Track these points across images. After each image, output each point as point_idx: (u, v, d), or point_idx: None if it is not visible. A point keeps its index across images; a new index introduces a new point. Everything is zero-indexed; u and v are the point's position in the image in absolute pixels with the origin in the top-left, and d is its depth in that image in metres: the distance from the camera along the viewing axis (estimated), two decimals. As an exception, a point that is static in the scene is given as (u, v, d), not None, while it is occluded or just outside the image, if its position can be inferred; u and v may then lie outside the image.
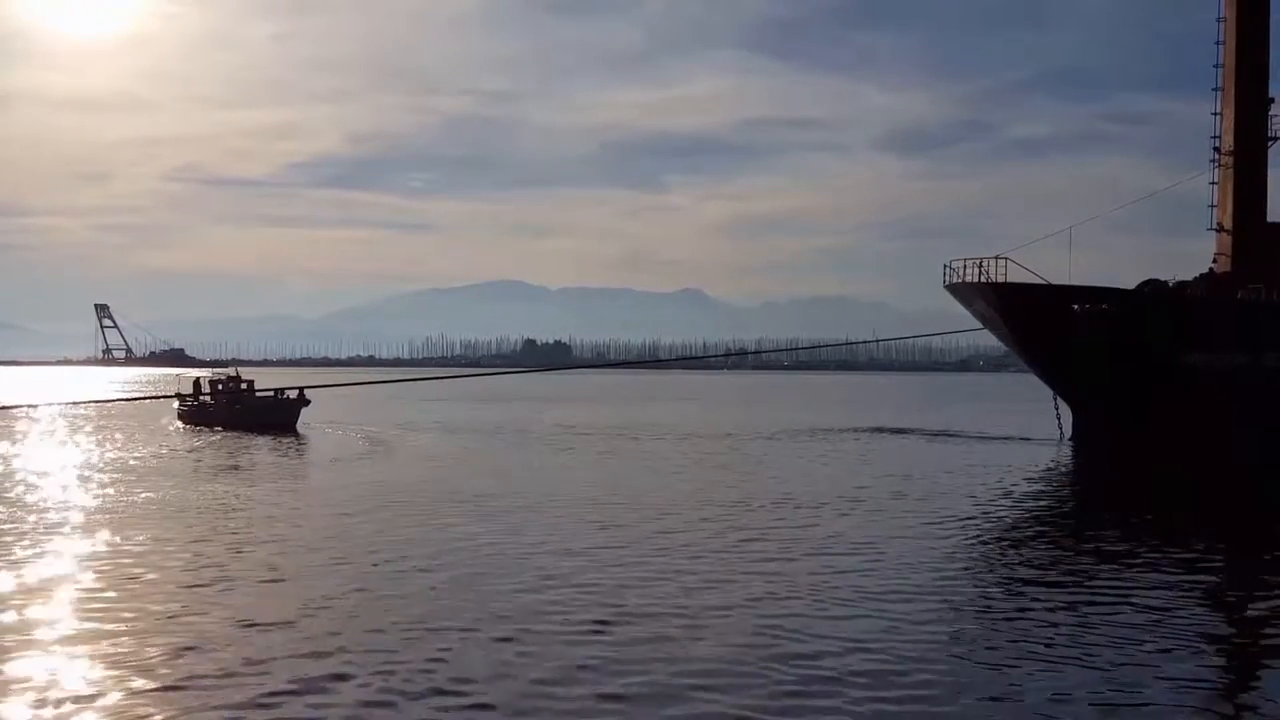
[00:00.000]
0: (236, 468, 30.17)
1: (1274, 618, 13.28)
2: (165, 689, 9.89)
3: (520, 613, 12.76)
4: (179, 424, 48.61)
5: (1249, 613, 13.63)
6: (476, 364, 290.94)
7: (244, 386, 49.26)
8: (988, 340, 53.54)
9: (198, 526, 19.04)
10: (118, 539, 17.62)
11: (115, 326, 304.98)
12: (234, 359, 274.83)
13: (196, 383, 50.90)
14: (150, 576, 14.69)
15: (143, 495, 23.35)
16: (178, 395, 46.04)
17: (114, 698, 9.69)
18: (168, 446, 37.35)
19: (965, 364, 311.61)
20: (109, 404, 59.86)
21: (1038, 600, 13.84)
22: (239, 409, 47.24)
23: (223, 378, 51.26)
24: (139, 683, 10.06)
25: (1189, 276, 42.01)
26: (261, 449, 36.81)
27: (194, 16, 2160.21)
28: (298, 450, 37.01)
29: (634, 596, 13.61)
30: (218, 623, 12.21)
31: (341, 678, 10.26)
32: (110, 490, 24.31)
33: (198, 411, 49.22)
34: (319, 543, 17.48)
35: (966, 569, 16.26)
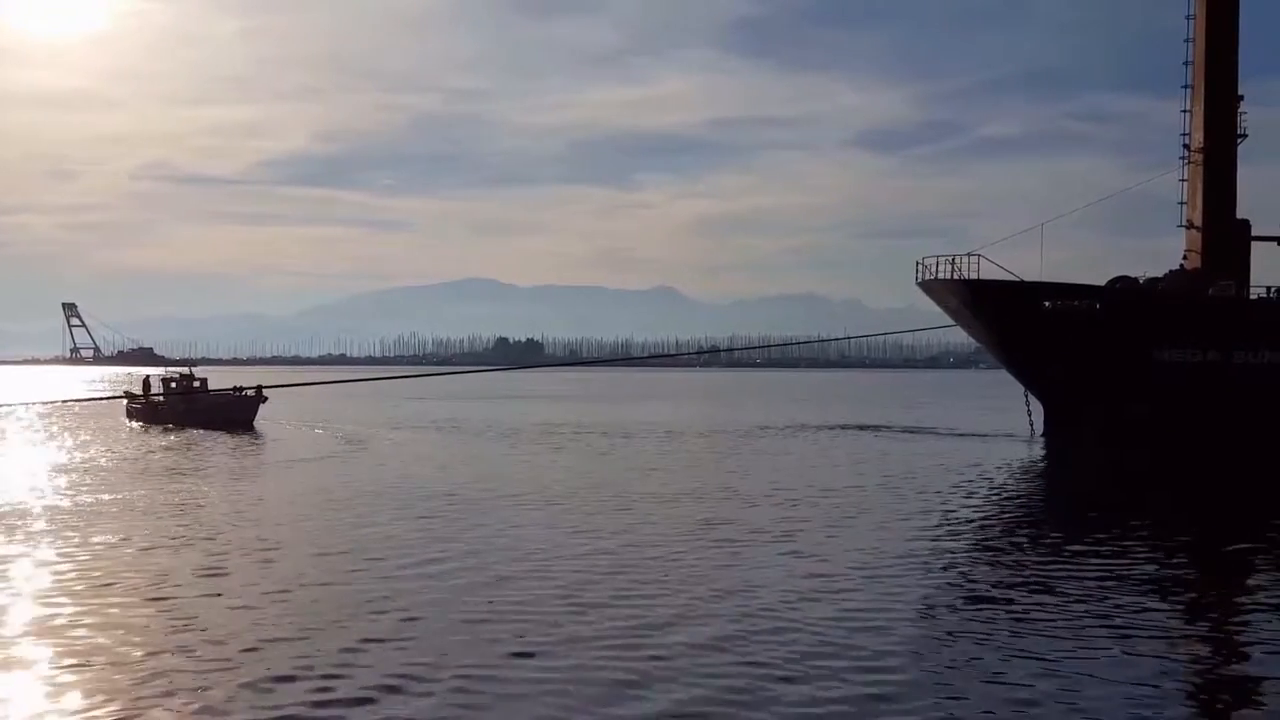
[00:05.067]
0: (188, 467, 29.41)
1: (1241, 611, 13.15)
2: (119, 694, 9.44)
3: (497, 609, 12.43)
4: (129, 423, 47.85)
5: (1217, 606, 13.51)
6: (448, 362, 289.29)
7: (196, 384, 48.58)
8: (958, 337, 53.72)
9: (143, 525, 18.46)
10: (56, 541, 17.03)
11: (83, 325, 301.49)
12: (203, 358, 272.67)
13: (146, 381, 50.37)
14: (96, 578, 14.17)
15: (84, 496, 22.66)
16: (127, 395, 45.11)
17: (67, 701, 9.25)
18: (116, 446, 36.48)
19: (935, 360, 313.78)
20: (56, 405, 58.77)
21: (1008, 597, 13.64)
22: (192, 407, 46.51)
23: (175, 376, 50.62)
24: (95, 687, 9.62)
25: (1159, 273, 42.15)
26: (216, 447, 36.19)
27: (161, 14, 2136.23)
28: (255, 448, 36.41)
29: (613, 593, 13.31)
30: (173, 625, 11.75)
31: (309, 680, 9.84)
32: (50, 491, 23.59)
33: (148, 411, 48.41)
34: (277, 542, 16.96)
35: (938, 565, 16.02)
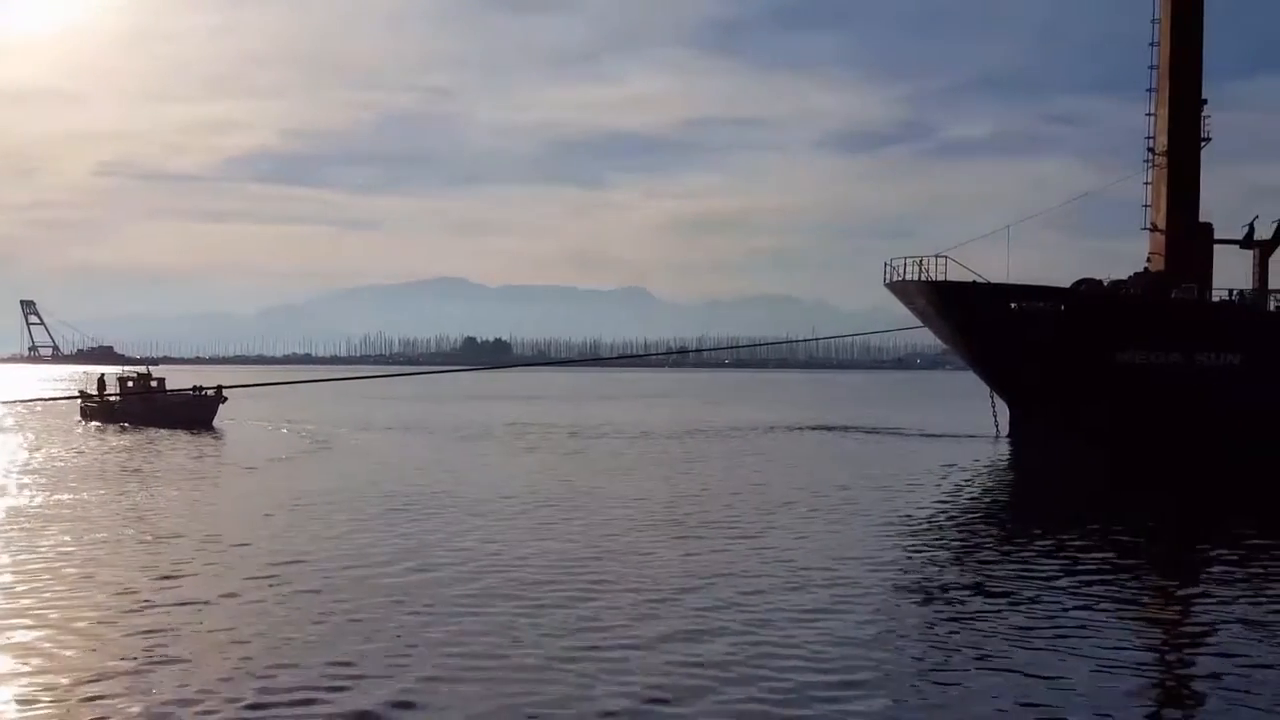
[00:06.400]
0: (143, 468, 28.80)
1: (1199, 608, 13.17)
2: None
3: (473, 612, 12.23)
4: (84, 423, 47.05)
5: (1179, 603, 13.54)
6: (415, 362, 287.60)
7: (154, 384, 48.07)
8: (925, 338, 54.00)
9: (92, 529, 18.05)
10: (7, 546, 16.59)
11: (41, 323, 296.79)
12: (164, 357, 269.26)
13: (102, 380, 49.98)
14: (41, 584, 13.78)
15: (29, 498, 22.15)
16: (82, 394, 44.64)
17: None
18: (69, 447, 35.68)
19: (902, 361, 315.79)
20: (7, 405, 57.68)
21: (972, 596, 13.61)
22: (149, 407, 45.97)
23: (132, 376, 50.16)
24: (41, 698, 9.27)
25: (1124, 275, 42.48)
26: (173, 447, 35.58)
27: (129, 9, 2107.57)
28: (214, 449, 35.85)
29: (579, 591, 13.11)
30: (122, 636, 11.41)
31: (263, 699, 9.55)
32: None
33: (104, 410, 47.78)
34: (239, 547, 16.61)
35: (904, 565, 16.01)
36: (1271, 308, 40.95)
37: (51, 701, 9.39)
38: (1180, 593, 14.93)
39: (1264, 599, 14.05)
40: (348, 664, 10.46)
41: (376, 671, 10.26)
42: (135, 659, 10.60)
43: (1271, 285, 41.82)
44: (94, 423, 47.03)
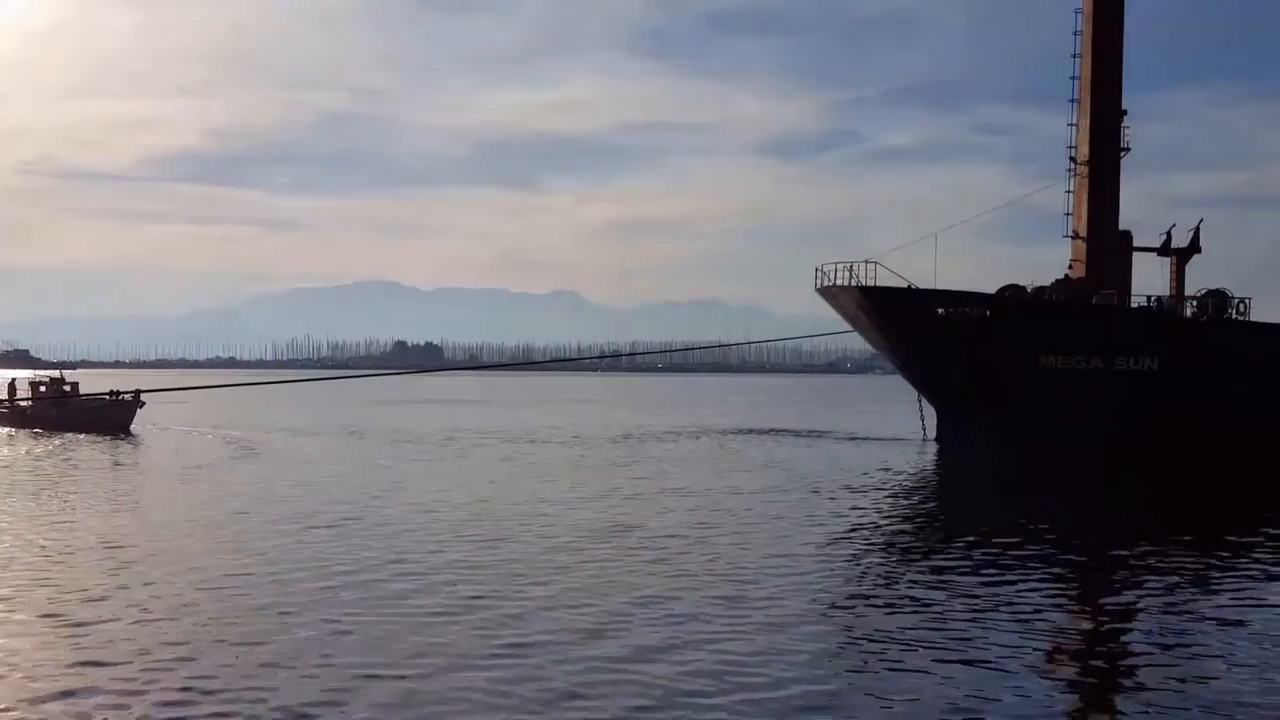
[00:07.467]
0: (56, 475, 27.86)
1: (1124, 601, 13.41)
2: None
3: (408, 623, 11.90)
4: None
5: (1108, 598, 13.75)
6: (344, 366, 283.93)
7: (67, 388, 46.75)
8: (855, 343, 54.61)
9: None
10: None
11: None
12: (83, 361, 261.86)
13: (12, 385, 48.45)
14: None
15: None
16: None
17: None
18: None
19: (833, 366, 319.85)
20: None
21: (908, 596, 13.68)
22: (63, 412, 44.67)
23: (44, 380, 48.82)
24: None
25: (1046, 282, 43.32)
26: (89, 453, 34.49)
27: (50, 3, 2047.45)
28: (131, 455, 34.81)
29: (527, 604, 12.87)
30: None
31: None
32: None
33: (15, 416, 46.35)
34: (146, 558, 16.05)
35: (836, 568, 16.05)
36: (1188, 314, 42.09)
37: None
38: (1122, 593, 15.16)
39: (1197, 591, 14.37)
40: (272, 688, 10.09)
41: (310, 697, 9.89)
42: (51, 679, 10.14)
43: (1187, 292, 42.99)
44: (3, 429, 45.45)
